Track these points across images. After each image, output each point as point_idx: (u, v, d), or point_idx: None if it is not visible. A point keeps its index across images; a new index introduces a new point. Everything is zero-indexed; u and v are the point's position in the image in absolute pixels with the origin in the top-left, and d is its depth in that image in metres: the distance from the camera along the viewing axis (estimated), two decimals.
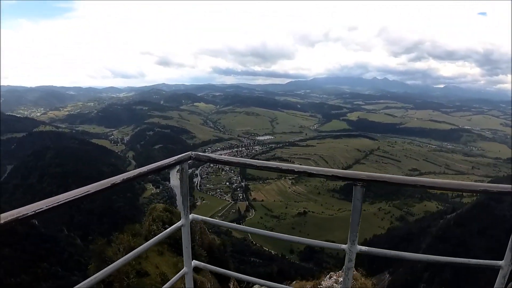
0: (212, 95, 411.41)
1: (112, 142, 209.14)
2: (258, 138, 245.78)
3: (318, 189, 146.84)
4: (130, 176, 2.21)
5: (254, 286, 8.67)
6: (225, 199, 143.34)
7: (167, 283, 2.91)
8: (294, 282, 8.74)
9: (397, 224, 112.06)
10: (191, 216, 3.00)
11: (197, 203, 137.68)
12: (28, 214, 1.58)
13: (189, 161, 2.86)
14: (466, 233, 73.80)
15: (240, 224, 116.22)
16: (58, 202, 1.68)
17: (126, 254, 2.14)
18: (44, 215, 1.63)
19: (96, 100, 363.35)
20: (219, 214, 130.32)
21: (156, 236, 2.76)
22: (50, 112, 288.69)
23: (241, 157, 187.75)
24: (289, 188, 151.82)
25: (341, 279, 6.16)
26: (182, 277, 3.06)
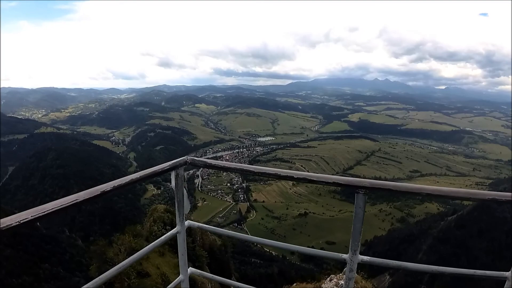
0: (213, 96, 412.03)
1: (113, 143, 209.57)
2: (259, 139, 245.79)
3: (319, 190, 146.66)
4: (121, 183, 2.13)
5: None
6: (226, 200, 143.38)
7: None
8: (295, 284, 8.79)
9: (398, 226, 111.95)
10: (187, 222, 2.92)
11: (198, 204, 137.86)
12: (12, 225, 1.49)
13: (184, 166, 2.75)
14: (466, 235, 73.66)
15: (242, 225, 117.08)
16: (44, 212, 1.62)
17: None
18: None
19: (97, 101, 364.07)
20: (220, 215, 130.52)
21: (150, 244, 2.70)
22: (51, 113, 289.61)
23: (242, 157, 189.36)
24: (290, 189, 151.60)
25: (342, 282, 6.18)
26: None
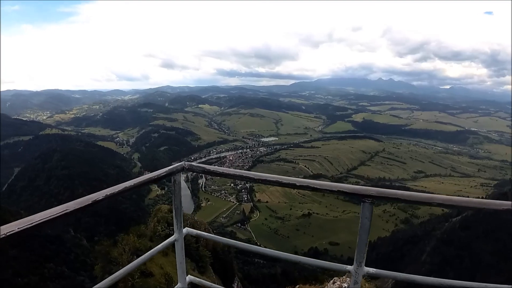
0: (216, 96, 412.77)
1: (118, 144, 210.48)
2: (262, 139, 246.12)
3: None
4: (114, 192, 2.03)
5: None
6: (230, 200, 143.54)
7: None
8: (297, 286, 8.86)
9: (401, 227, 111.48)
10: (185, 230, 2.85)
11: (202, 204, 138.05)
12: None
13: (182, 172, 2.68)
14: (471, 236, 73.22)
15: (245, 225, 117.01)
16: (31, 223, 1.55)
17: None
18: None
19: (101, 103, 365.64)
20: (224, 215, 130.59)
21: (148, 252, 2.66)
22: (56, 115, 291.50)
23: (246, 158, 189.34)
24: (294, 189, 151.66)
25: (345, 285, 6.25)
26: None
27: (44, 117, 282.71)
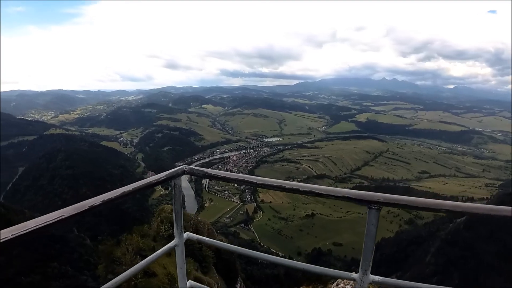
0: (220, 97, 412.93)
1: (122, 144, 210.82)
2: (266, 139, 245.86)
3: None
4: (111, 197, 1.96)
5: None
6: (233, 201, 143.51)
7: None
8: (301, 287, 8.77)
9: (405, 228, 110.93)
10: (185, 235, 2.79)
11: (205, 204, 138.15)
12: None
13: (182, 176, 2.60)
14: (475, 237, 72.78)
15: (248, 226, 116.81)
16: (25, 230, 1.50)
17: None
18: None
19: (105, 103, 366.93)
20: (227, 216, 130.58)
21: (148, 257, 2.60)
22: (60, 115, 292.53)
23: (249, 158, 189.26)
24: None
25: (349, 287, 6.16)
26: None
27: (49, 117, 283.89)
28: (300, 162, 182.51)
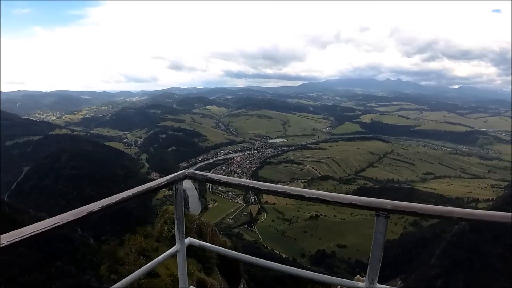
0: (224, 98, 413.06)
1: (126, 145, 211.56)
2: (270, 141, 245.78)
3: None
4: (110, 203, 1.93)
5: None
6: (237, 202, 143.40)
7: None
8: None
9: (410, 229, 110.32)
10: (187, 240, 2.72)
11: (209, 205, 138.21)
12: None
13: (184, 180, 2.55)
14: (480, 240, 72.27)
15: (252, 227, 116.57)
16: (21, 237, 1.48)
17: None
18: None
19: (110, 104, 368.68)
20: (231, 217, 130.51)
21: (149, 263, 2.57)
22: (65, 116, 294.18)
23: (253, 159, 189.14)
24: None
25: None
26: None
27: (54, 118, 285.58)
28: (304, 163, 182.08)
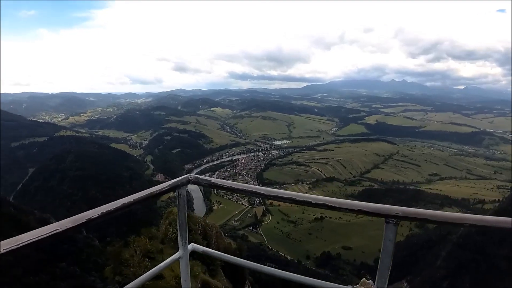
0: (228, 100, 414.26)
1: (131, 146, 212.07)
2: (275, 142, 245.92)
3: (335, 194, 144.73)
4: (110, 209, 1.88)
5: None
6: (242, 204, 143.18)
7: None
8: None
9: (416, 231, 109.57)
10: (190, 246, 2.65)
11: (214, 207, 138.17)
12: None
13: (188, 185, 2.48)
14: (486, 241, 71.59)
15: (257, 229, 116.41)
16: (17, 244, 1.45)
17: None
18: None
19: (115, 105, 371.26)
20: (236, 218, 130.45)
21: (152, 269, 2.51)
22: (70, 117, 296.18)
23: (258, 161, 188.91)
24: (306, 193, 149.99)
25: None
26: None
27: (59, 119, 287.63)
28: (309, 165, 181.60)
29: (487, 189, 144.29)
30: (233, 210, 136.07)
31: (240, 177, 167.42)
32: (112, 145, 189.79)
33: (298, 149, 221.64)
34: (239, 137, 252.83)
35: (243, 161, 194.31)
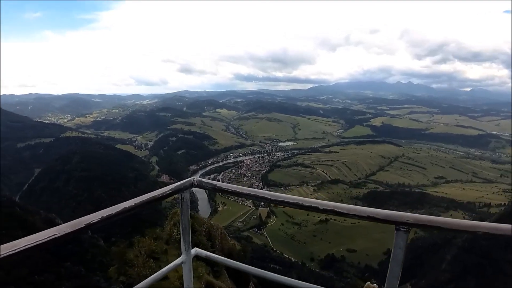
0: (234, 101, 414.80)
1: (136, 147, 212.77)
2: (280, 144, 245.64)
3: (340, 196, 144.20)
4: (111, 214, 1.83)
5: None
6: (247, 205, 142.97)
7: None
8: None
9: (421, 234, 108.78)
10: (193, 251, 2.61)
11: (218, 208, 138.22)
12: None
13: (191, 189, 2.43)
14: (492, 246, 70.94)
15: (261, 230, 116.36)
16: (14, 250, 1.40)
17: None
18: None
19: (121, 107, 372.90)
20: (240, 220, 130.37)
21: (154, 274, 2.45)
22: (76, 118, 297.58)
23: (263, 162, 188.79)
24: (311, 195, 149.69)
25: None
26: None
27: (65, 120, 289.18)
28: (314, 167, 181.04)
29: (493, 193, 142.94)
30: (238, 212, 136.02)
31: (245, 178, 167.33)
32: (118, 146, 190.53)
33: (303, 151, 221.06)
34: (244, 139, 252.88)
35: (248, 163, 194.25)
